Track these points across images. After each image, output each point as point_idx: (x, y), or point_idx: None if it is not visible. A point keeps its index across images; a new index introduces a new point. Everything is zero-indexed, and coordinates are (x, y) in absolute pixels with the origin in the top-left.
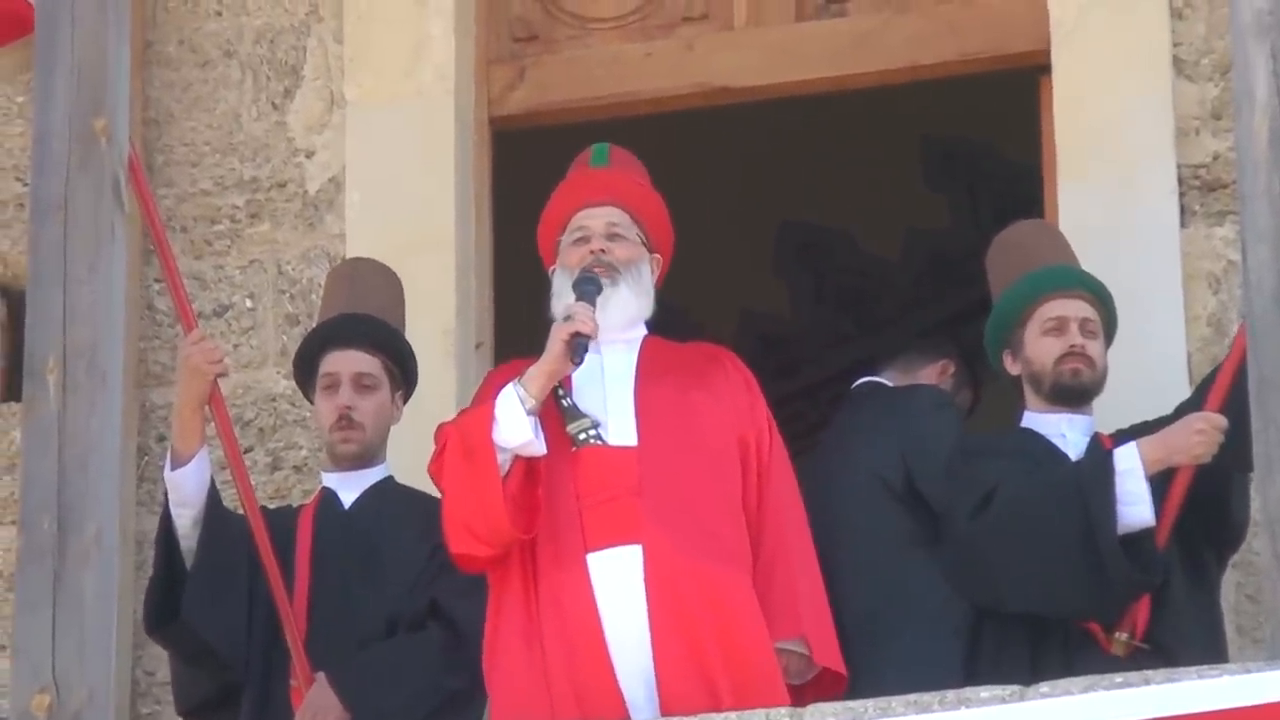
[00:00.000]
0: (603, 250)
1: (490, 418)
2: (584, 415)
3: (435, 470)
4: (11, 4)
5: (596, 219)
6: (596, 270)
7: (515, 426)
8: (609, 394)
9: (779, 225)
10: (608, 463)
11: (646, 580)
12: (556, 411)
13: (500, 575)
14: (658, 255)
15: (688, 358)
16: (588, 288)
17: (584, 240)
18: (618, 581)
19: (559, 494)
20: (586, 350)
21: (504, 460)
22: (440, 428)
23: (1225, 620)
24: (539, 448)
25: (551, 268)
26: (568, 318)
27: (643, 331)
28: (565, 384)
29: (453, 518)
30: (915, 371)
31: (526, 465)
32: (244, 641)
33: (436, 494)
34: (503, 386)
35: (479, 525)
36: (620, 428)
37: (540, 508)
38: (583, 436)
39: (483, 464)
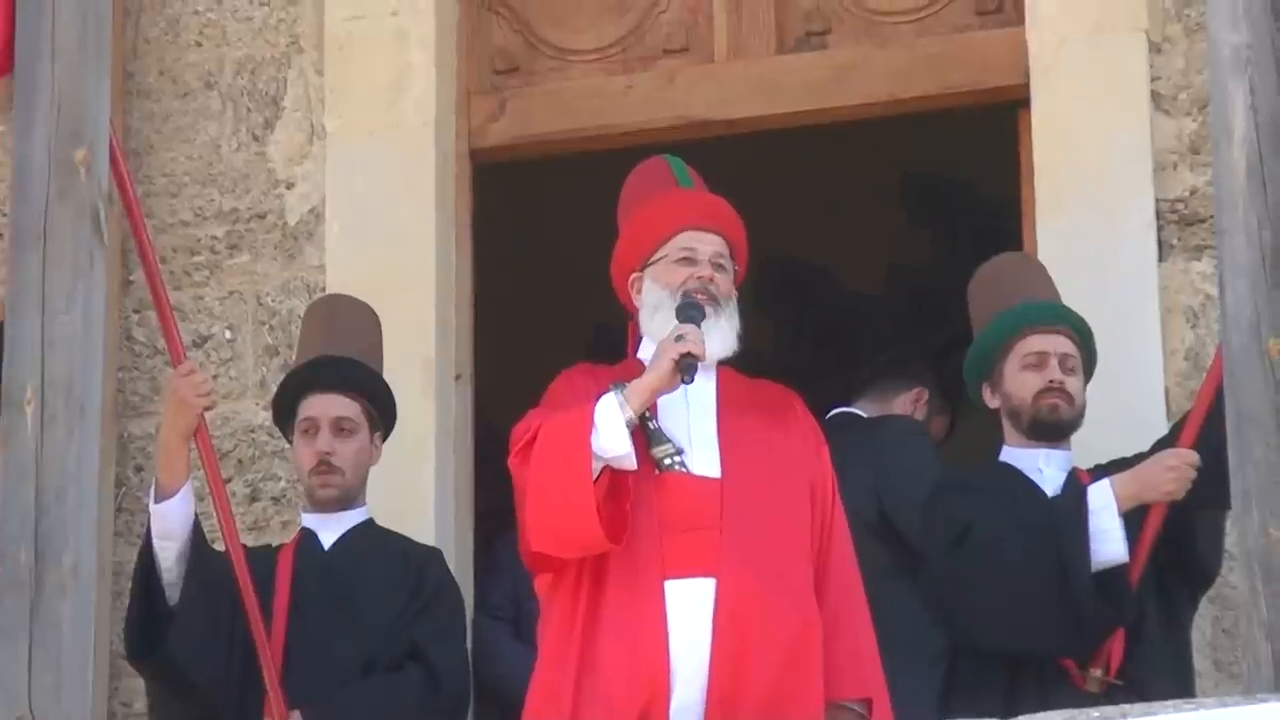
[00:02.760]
0: (711, 279)
1: (589, 423)
2: (669, 440)
3: (517, 464)
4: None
5: (706, 244)
6: (699, 297)
7: (615, 437)
8: (693, 422)
9: (760, 260)
10: (691, 492)
11: (715, 614)
12: (641, 432)
13: (556, 584)
14: (736, 291)
15: (763, 394)
16: (693, 313)
17: (689, 262)
18: (689, 612)
19: (640, 516)
20: (695, 371)
21: (595, 468)
22: (526, 421)
23: (1203, 654)
24: (633, 461)
25: (634, 275)
26: (679, 338)
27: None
28: (651, 407)
29: (538, 518)
30: (889, 400)
31: (612, 477)
32: (223, 676)
33: (413, 528)
34: (582, 390)
35: (567, 531)
36: (704, 457)
37: (627, 521)
38: (668, 462)
39: (578, 470)
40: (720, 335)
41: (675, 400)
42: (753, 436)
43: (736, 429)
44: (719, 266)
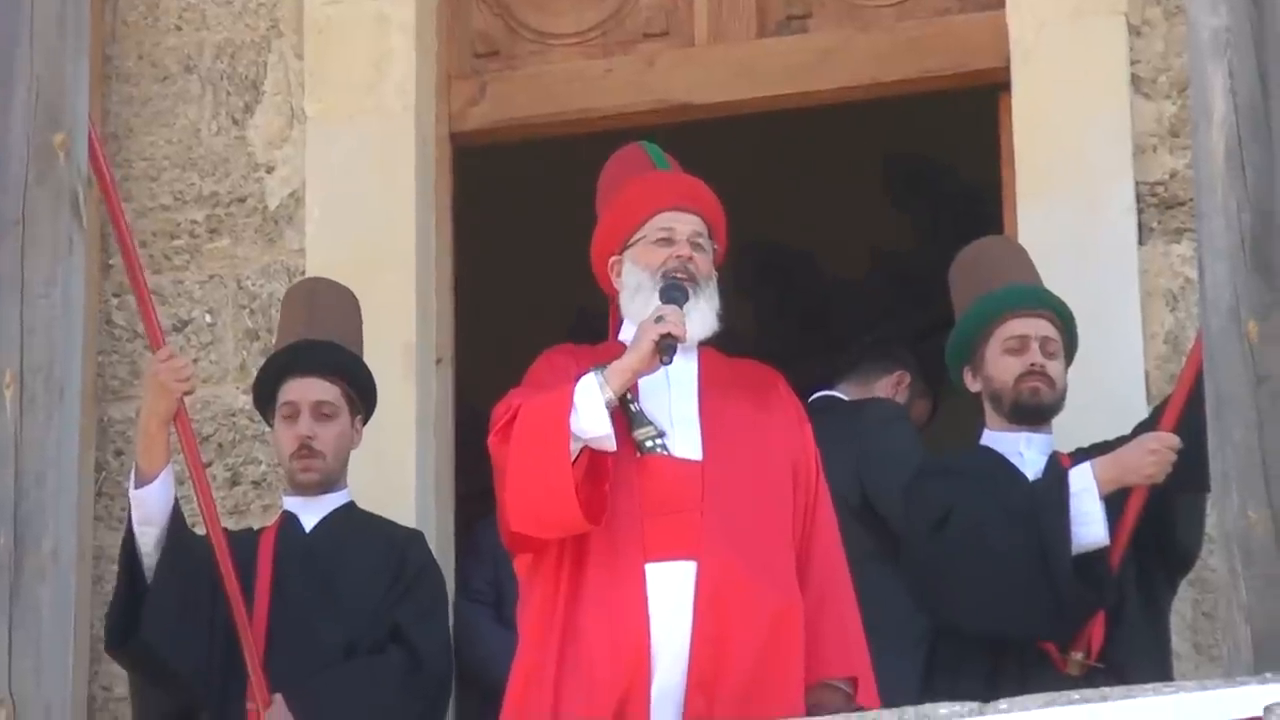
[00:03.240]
0: (690, 259)
1: (568, 404)
2: (650, 423)
3: (496, 444)
4: None
5: (684, 224)
6: (679, 277)
7: (594, 417)
8: (674, 403)
9: (741, 244)
10: (673, 475)
11: (696, 597)
12: (622, 414)
13: (536, 565)
14: (716, 271)
15: (745, 374)
16: (675, 294)
17: (667, 242)
18: (670, 595)
19: (621, 498)
20: (675, 353)
21: (574, 449)
22: (505, 401)
23: (1182, 637)
24: (613, 443)
25: (613, 258)
26: (659, 319)
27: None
28: (632, 389)
29: (516, 498)
30: (871, 384)
31: (591, 458)
32: (204, 662)
33: (394, 512)
34: (563, 370)
35: (546, 511)
36: (685, 439)
37: (606, 502)
38: (649, 444)
39: (557, 451)
40: (700, 315)
41: (657, 382)
42: (735, 418)
43: (718, 410)
44: (697, 246)
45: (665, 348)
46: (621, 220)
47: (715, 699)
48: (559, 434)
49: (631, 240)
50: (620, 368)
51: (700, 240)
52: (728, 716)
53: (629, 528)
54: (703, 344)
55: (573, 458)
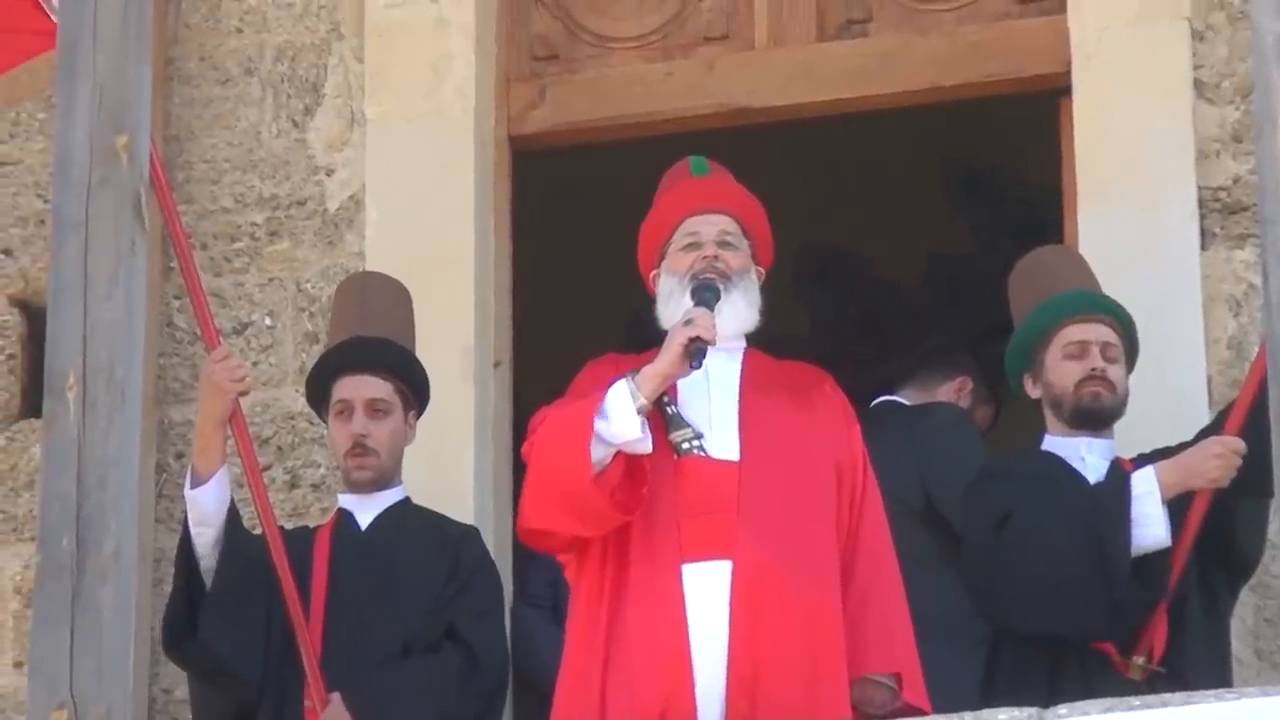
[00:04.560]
0: (716, 257)
1: (594, 408)
2: (688, 425)
3: (527, 452)
4: (33, 21)
5: (709, 225)
6: (710, 276)
7: (625, 421)
8: (713, 404)
9: (799, 247)
10: (709, 476)
11: (732, 597)
12: (659, 417)
13: (580, 567)
14: (760, 268)
15: (790, 375)
16: (707, 295)
17: (695, 246)
18: (707, 595)
19: (659, 500)
20: (704, 356)
21: (607, 454)
22: (541, 411)
23: (1244, 643)
24: (646, 445)
25: (653, 273)
26: (688, 322)
27: (744, 343)
28: (671, 391)
29: (536, 493)
30: (933, 389)
31: (628, 462)
32: (261, 662)
33: (452, 515)
34: (604, 380)
35: (554, 496)
36: (723, 440)
37: (644, 503)
38: (686, 446)
39: (577, 445)
40: (734, 312)
41: (697, 383)
42: (775, 417)
43: (758, 410)
44: (726, 244)
45: (694, 351)
46: (654, 234)
47: (759, 699)
48: (581, 434)
49: (665, 252)
50: (651, 373)
51: (728, 238)
52: (773, 717)
53: (666, 529)
54: (750, 345)
55: (607, 462)
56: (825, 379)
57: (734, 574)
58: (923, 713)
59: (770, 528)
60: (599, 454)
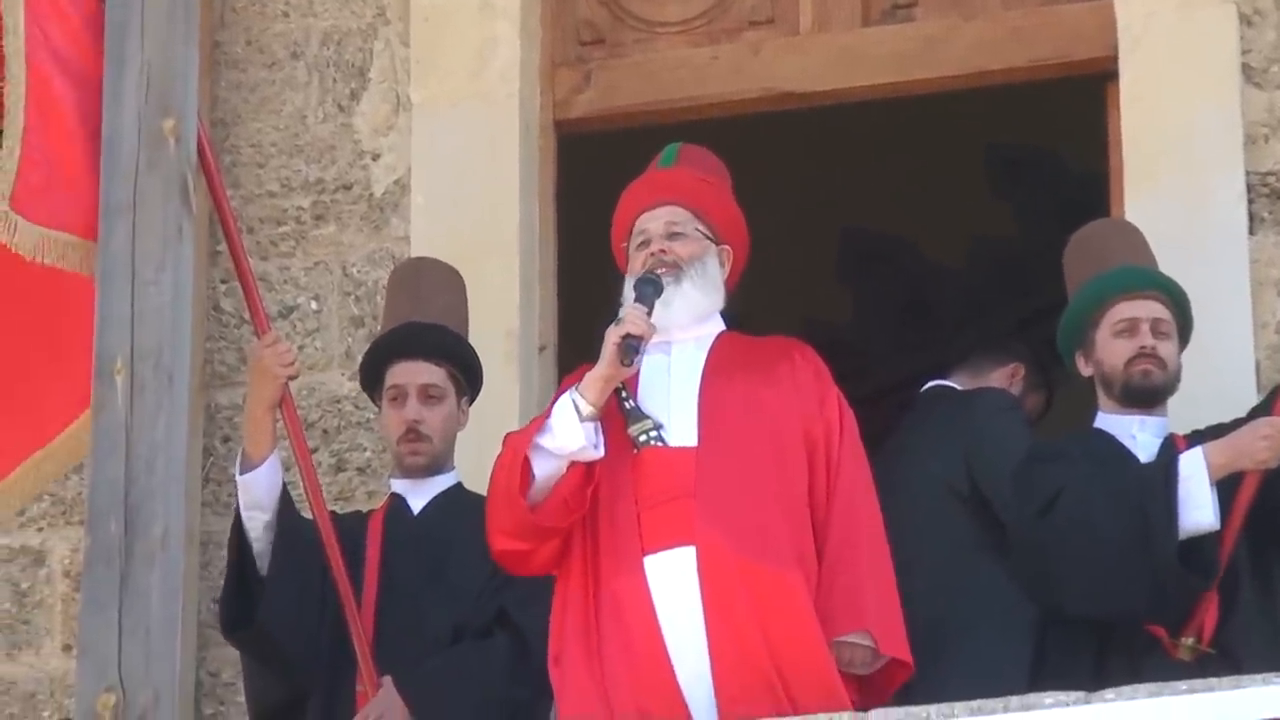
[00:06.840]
0: (663, 251)
1: (537, 425)
2: (646, 417)
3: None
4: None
5: (655, 220)
6: (659, 271)
7: (568, 432)
8: (673, 394)
9: (842, 231)
10: (666, 464)
11: (701, 582)
12: (620, 414)
13: (563, 578)
14: (726, 246)
15: (759, 353)
16: (646, 289)
17: (645, 244)
18: (674, 584)
19: (620, 497)
20: (638, 352)
21: (558, 467)
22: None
23: None
24: (593, 453)
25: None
26: (619, 320)
27: (717, 328)
28: (630, 386)
29: (490, 518)
30: (984, 375)
31: (585, 470)
32: (316, 645)
33: None
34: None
35: (505, 520)
36: (682, 428)
37: (585, 505)
38: (644, 439)
39: (510, 462)
40: (686, 301)
41: (658, 374)
42: (735, 399)
43: (717, 394)
44: (674, 235)
45: (626, 349)
46: (617, 240)
47: (746, 680)
48: (518, 450)
49: (628, 254)
50: (593, 377)
51: (676, 228)
52: (764, 696)
53: (627, 524)
54: (728, 329)
55: (559, 474)
56: (796, 347)
57: (699, 558)
58: (906, 663)
59: (730, 509)
60: (549, 469)
